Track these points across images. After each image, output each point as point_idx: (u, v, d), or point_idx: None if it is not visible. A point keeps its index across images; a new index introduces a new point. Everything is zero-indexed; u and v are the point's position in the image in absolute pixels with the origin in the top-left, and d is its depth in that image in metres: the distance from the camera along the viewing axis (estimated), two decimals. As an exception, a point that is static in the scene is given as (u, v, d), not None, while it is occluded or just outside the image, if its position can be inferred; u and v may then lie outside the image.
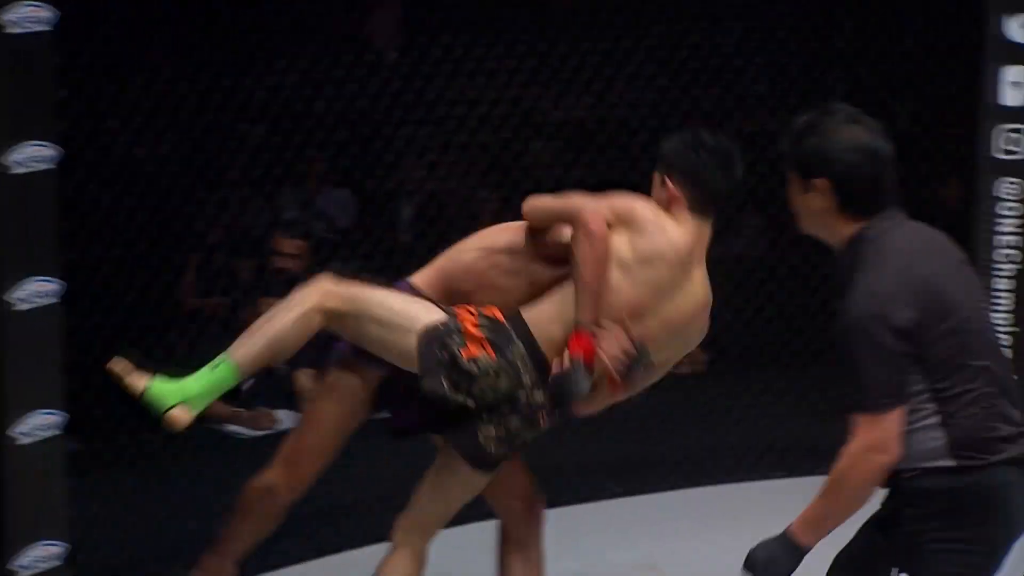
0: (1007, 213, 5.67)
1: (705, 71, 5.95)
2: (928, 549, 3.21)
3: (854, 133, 3.25)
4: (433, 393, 3.78)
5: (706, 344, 6.12)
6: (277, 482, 4.15)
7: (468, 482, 3.95)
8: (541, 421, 3.88)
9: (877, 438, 3.14)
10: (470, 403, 3.78)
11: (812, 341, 6.24)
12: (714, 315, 4.00)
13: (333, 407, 4.12)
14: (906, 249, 3.22)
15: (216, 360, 3.83)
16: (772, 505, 5.64)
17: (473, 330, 3.80)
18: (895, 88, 6.33)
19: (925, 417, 3.18)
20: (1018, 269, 5.65)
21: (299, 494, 4.18)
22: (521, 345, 3.82)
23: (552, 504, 5.36)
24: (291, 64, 5.50)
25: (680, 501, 5.59)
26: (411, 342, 3.80)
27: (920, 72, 6.02)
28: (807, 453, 5.99)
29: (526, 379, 3.81)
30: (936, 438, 3.18)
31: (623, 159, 6.18)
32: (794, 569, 3.31)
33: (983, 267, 5.61)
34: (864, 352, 3.12)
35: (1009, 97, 5.58)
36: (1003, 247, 5.67)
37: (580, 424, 5.21)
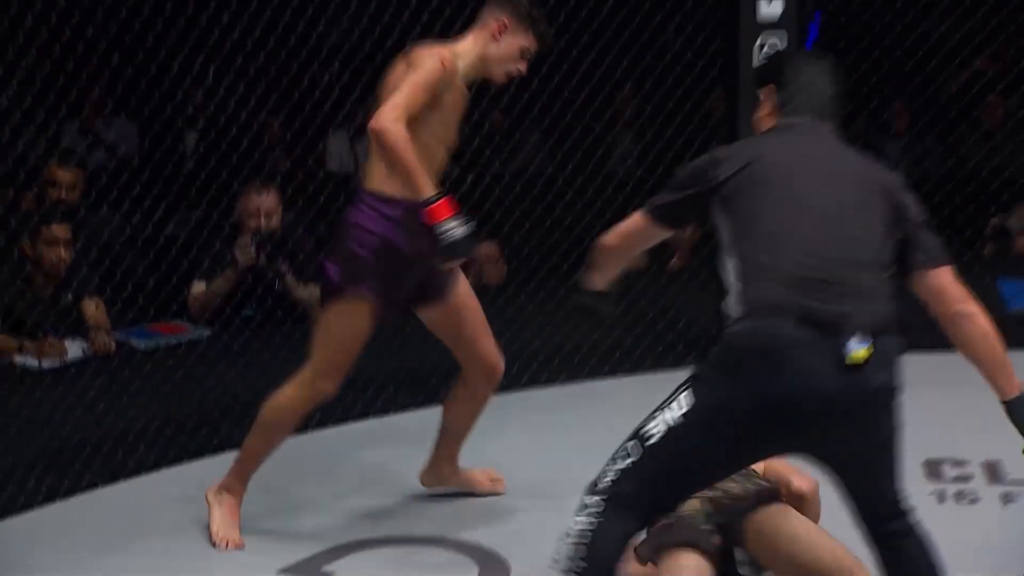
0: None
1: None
2: None
3: (798, 59, 3.70)
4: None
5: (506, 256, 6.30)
6: (303, 395, 4.57)
7: None
8: None
9: None
10: None
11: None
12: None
13: (344, 327, 4.50)
14: (772, 138, 3.53)
15: None
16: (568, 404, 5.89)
17: None
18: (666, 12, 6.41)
19: None
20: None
21: (318, 404, 4.68)
22: None
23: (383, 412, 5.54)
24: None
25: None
26: None
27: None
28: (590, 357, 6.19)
29: None
30: None
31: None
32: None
33: None
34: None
35: (764, 9, 5.73)
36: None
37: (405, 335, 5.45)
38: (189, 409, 5.50)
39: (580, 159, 6.82)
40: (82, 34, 5.25)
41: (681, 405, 3.30)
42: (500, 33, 4.48)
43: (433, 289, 4.60)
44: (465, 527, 4.70)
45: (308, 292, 6.27)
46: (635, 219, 3.66)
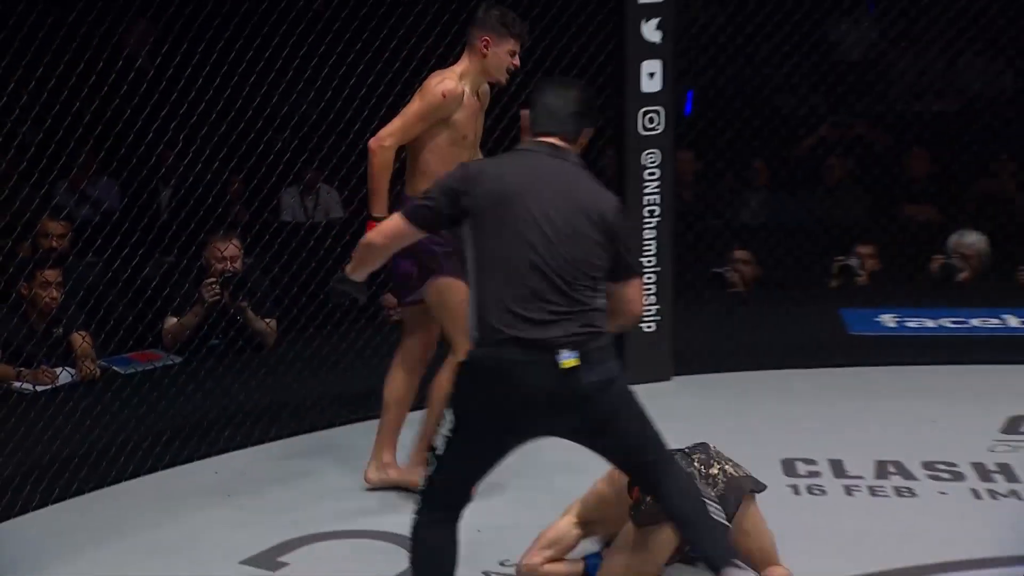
0: (649, 177, 5.90)
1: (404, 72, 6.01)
2: None
3: (543, 82, 3.71)
4: None
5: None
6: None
7: None
8: None
9: None
10: None
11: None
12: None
13: (453, 301, 4.58)
14: (516, 159, 3.64)
15: None
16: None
17: None
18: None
19: None
20: (659, 220, 5.90)
21: None
22: None
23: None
24: (54, 69, 5.36)
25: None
26: None
27: (577, 68, 6.16)
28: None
29: None
30: None
31: (342, 145, 6.23)
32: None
33: (635, 219, 5.75)
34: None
35: (647, 85, 5.83)
36: (648, 205, 5.90)
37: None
38: (163, 425, 5.46)
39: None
40: (71, 106, 5.22)
41: (449, 420, 3.53)
42: (486, 48, 4.62)
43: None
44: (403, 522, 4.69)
45: (264, 324, 6.29)
46: (395, 220, 3.69)
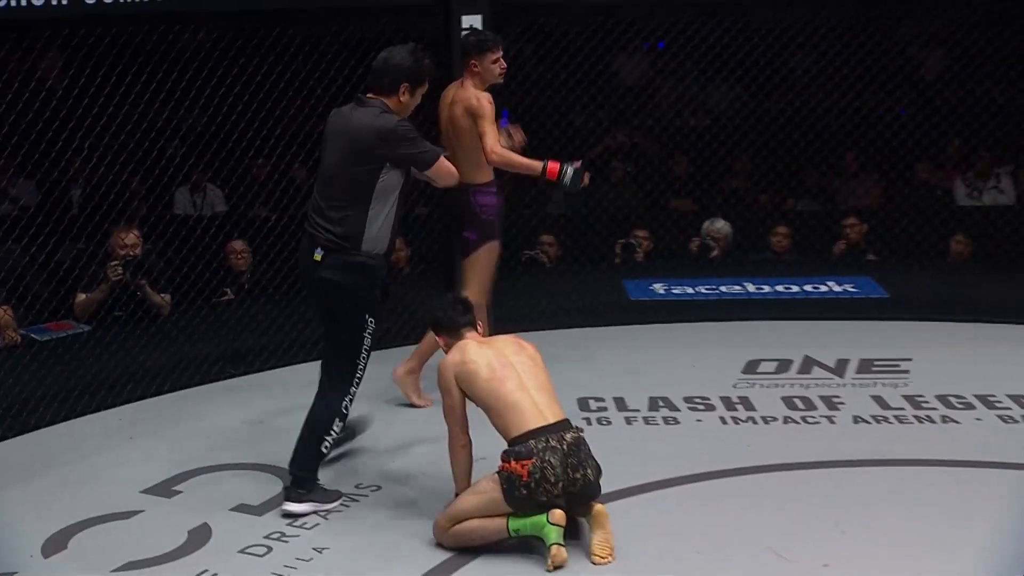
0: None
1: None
2: None
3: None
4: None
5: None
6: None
7: None
8: None
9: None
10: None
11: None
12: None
13: (489, 263, 4.98)
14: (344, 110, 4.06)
15: None
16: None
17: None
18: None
19: None
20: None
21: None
22: None
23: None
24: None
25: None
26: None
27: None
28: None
29: None
30: None
31: (223, 151, 6.12)
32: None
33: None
34: None
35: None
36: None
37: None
38: (75, 382, 5.28)
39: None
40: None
41: None
42: (476, 67, 4.82)
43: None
44: (275, 456, 4.63)
45: (160, 299, 6.11)
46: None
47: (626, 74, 7.82)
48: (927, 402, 5.10)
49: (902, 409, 5.03)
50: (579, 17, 6.53)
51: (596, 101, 7.11)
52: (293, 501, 4.12)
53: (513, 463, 3.70)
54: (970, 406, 5.04)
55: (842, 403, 5.12)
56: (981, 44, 6.78)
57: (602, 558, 3.72)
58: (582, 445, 3.78)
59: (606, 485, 3.91)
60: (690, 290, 6.78)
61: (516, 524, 3.76)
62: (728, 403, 5.14)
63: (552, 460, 3.70)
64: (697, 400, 5.18)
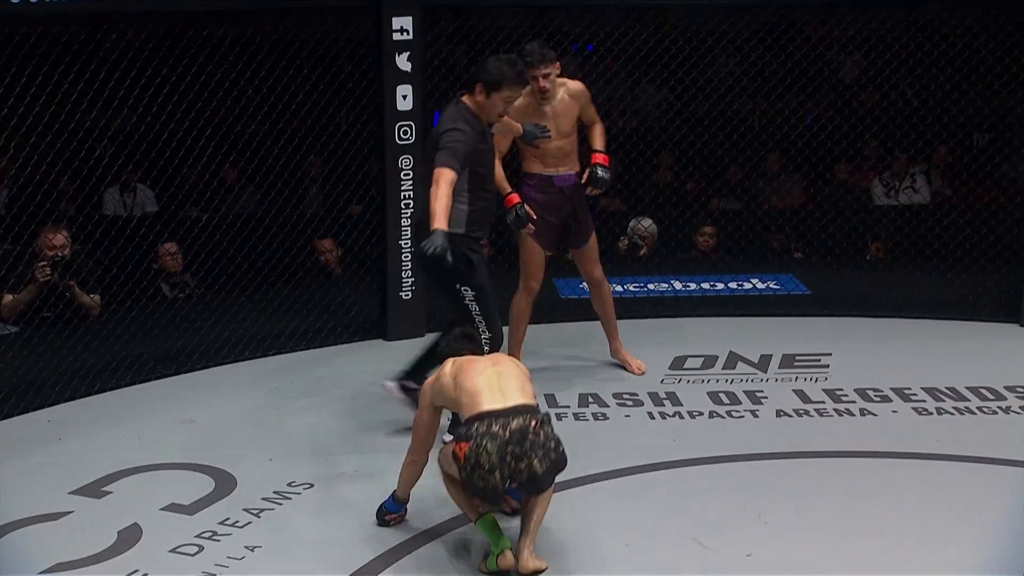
0: (404, 178, 5.85)
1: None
2: None
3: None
4: None
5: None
6: (523, 296, 5.29)
7: None
8: None
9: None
10: None
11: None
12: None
13: (530, 252, 5.24)
14: None
15: None
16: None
17: None
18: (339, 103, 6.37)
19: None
20: (412, 211, 5.88)
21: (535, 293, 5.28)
22: None
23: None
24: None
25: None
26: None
27: (345, 91, 6.10)
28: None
29: None
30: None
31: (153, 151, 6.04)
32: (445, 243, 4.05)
33: (393, 215, 5.78)
34: None
35: (401, 105, 5.76)
36: (404, 199, 5.87)
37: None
38: (3, 384, 5.17)
39: (283, 204, 6.71)
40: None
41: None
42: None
43: (574, 239, 5.28)
44: (206, 455, 4.58)
45: (90, 299, 5.99)
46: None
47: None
48: (846, 395, 5.21)
49: (822, 403, 5.13)
50: (509, 19, 6.54)
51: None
52: (395, 383, 4.61)
53: (456, 445, 3.67)
54: (887, 399, 5.15)
55: (765, 397, 5.20)
56: (896, 48, 6.93)
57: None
58: (531, 435, 3.60)
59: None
60: (619, 288, 6.79)
61: (480, 526, 3.74)
62: (656, 399, 5.19)
63: (489, 447, 3.56)
64: (626, 396, 5.22)
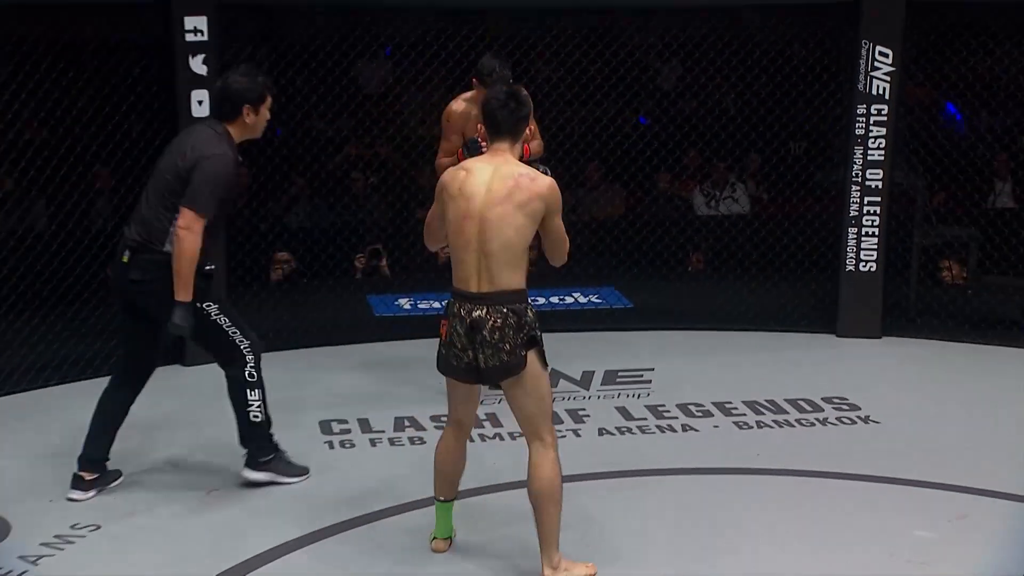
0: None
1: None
2: None
3: None
4: None
5: None
6: None
7: None
8: None
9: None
10: None
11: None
12: None
13: None
14: None
15: None
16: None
17: None
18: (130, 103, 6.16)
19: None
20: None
21: None
22: None
23: None
24: None
25: None
26: None
27: (135, 95, 5.91)
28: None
29: None
30: None
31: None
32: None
33: None
34: None
35: (196, 111, 5.63)
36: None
37: None
38: None
39: (64, 218, 6.44)
40: None
41: None
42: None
43: None
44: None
45: None
46: None
47: (368, 81, 7.82)
48: (668, 411, 5.37)
49: (645, 419, 5.27)
50: (315, 20, 6.47)
51: (334, 109, 7.05)
52: (250, 468, 4.46)
53: (442, 319, 3.80)
54: (708, 413, 5.34)
55: (587, 415, 5.31)
56: (712, 56, 7.21)
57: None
58: (483, 330, 3.67)
59: (354, 508, 4.03)
60: (437, 304, 6.85)
61: (436, 508, 4.01)
62: (475, 420, 5.20)
63: (459, 329, 3.71)
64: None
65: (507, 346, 3.68)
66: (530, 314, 3.73)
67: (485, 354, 3.69)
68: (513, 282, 3.70)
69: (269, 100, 4.33)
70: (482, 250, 3.67)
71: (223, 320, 4.34)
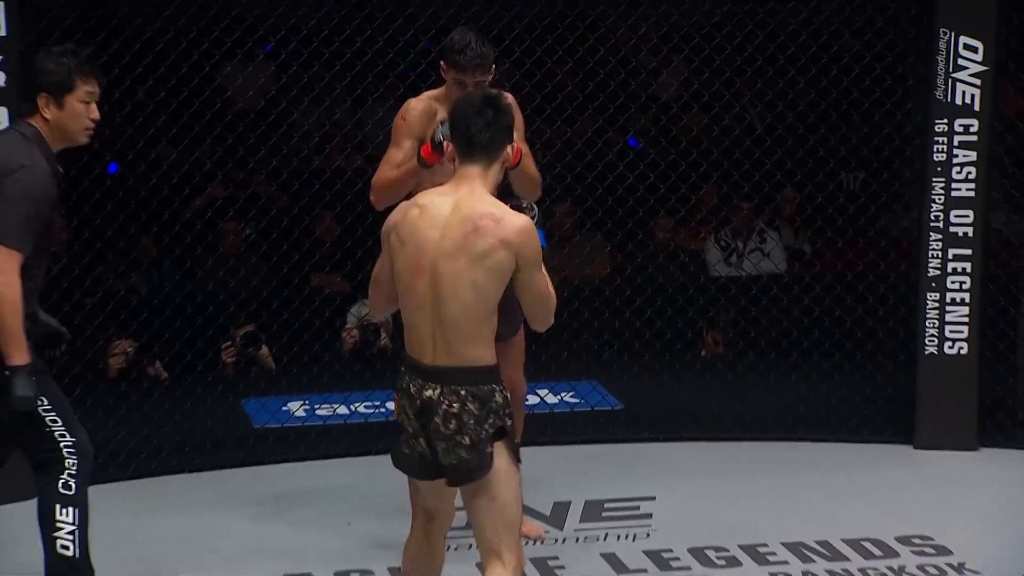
0: None
1: None
2: None
3: None
4: None
5: None
6: None
7: None
8: None
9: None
10: None
11: None
12: None
13: None
14: None
15: None
16: None
17: None
18: None
19: None
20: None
21: None
22: None
23: None
24: None
25: None
26: None
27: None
28: None
29: None
30: None
31: None
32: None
33: None
34: None
35: None
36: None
37: None
38: None
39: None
40: None
41: None
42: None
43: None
44: None
45: None
46: None
47: (239, 90, 7.82)
48: (677, 559, 5.31)
49: (645, 572, 5.21)
50: (161, 7, 6.47)
51: (192, 132, 7.00)
52: None
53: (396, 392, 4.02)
54: (735, 561, 5.30)
55: (561, 568, 5.25)
56: (729, 52, 7.28)
57: None
58: (435, 416, 3.81)
59: None
60: (342, 409, 6.81)
61: None
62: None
63: (408, 411, 3.90)
64: (355, 574, 5.18)
65: (466, 439, 3.80)
66: (498, 397, 3.84)
67: (440, 448, 3.83)
68: (476, 356, 3.82)
69: (81, 89, 4.33)
70: (436, 315, 3.79)
71: (50, 417, 4.33)
